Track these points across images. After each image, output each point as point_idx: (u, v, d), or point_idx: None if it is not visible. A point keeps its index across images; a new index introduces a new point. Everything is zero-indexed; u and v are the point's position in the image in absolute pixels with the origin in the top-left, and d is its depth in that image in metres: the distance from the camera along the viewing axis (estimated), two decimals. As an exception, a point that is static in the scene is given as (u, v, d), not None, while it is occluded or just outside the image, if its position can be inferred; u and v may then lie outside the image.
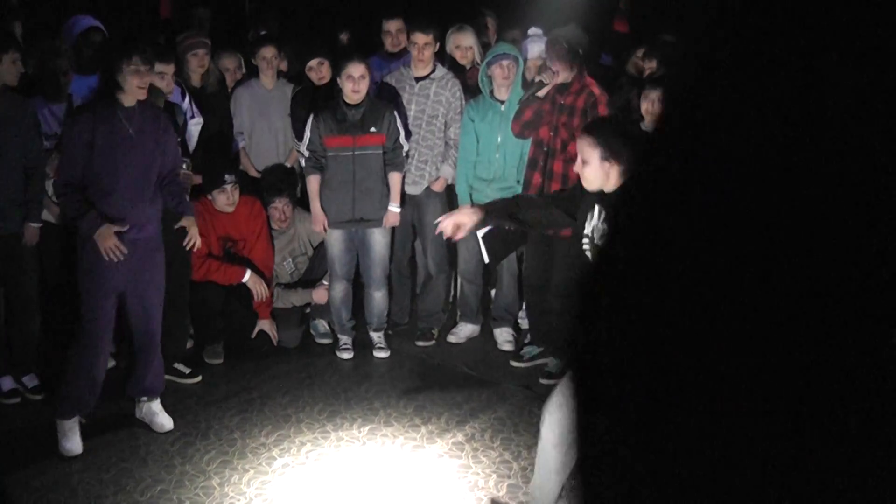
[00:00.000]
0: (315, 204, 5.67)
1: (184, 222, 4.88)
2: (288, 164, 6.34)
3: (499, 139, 5.63)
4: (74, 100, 5.18)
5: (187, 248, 4.92)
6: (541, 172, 5.31)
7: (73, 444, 4.45)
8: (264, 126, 6.25)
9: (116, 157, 4.38)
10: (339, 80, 5.52)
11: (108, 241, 4.35)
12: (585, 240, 3.37)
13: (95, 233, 4.34)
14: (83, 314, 4.48)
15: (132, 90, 4.36)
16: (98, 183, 4.39)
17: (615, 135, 2.98)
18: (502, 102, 5.67)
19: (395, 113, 5.65)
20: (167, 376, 5.22)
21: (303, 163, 5.74)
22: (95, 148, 4.33)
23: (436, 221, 3.90)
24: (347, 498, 4.17)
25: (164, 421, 4.77)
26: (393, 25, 6.32)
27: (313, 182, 5.66)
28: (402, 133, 5.68)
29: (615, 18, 7.97)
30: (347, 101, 5.52)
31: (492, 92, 5.69)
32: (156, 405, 4.80)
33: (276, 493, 4.18)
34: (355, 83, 5.44)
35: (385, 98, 5.80)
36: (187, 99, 5.63)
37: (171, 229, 4.95)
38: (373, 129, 5.56)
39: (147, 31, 6.69)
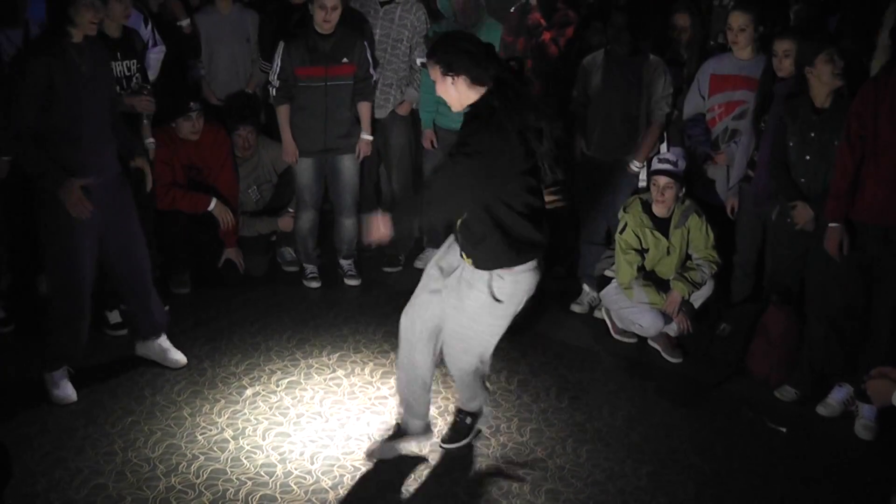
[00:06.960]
0: (286, 134, 5.58)
1: (138, 163, 4.59)
2: (249, 90, 6.24)
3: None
4: (31, 27, 4.89)
5: (147, 190, 4.65)
6: None
7: (66, 391, 4.32)
8: (223, 53, 6.13)
9: (77, 101, 4.06)
10: (310, 7, 5.38)
11: (74, 197, 4.03)
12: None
13: (60, 189, 4.03)
14: (58, 268, 4.23)
15: (84, 25, 4.05)
16: (61, 131, 4.04)
17: (448, 48, 3.15)
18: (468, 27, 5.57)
19: (366, 43, 5.55)
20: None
21: (272, 91, 5.62)
22: (55, 91, 3.98)
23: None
24: (318, 426, 4.23)
25: (178, 357, 4.70)
26: None
27: (283, 112, 5.57)
28: (371, 63, 5.59)
29: None
30: (319, 30, 5.39)
31: (455, 15, 5.59)
32: (165, 342, 4.72)
33: (247, 421, 4.22)
34: (327, 13, 5.30)
35: (353, 24, 5.65)
36: (149, 26, 5.45)
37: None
38: (344, 60, 5.46)
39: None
